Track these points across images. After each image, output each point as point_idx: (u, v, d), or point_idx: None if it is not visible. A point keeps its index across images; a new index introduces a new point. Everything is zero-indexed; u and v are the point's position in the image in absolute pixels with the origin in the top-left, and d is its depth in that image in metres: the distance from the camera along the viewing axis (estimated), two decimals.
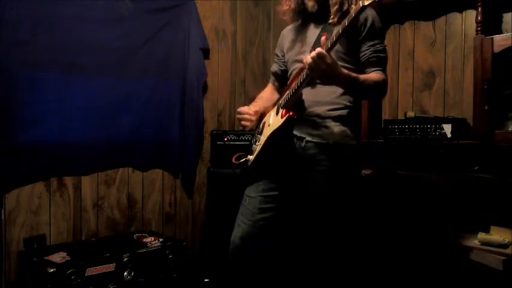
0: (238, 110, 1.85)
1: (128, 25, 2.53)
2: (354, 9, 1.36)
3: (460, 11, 2.41)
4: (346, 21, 1.37)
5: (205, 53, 2.92)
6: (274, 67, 1.98)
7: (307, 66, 1.44)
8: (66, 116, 2.32)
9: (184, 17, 2.77)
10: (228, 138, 2.76)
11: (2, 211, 2.15)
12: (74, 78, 2.34)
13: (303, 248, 1.70)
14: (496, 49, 2.01)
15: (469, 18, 2.35)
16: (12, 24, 2.12)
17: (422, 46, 2.56)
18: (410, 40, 2.61)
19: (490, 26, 2.13)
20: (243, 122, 1.82)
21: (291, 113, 1.61)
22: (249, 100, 3.21)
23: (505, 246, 1.84)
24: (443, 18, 2.48)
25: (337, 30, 1.41)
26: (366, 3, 1.32)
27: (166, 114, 2.74)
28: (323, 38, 1.48)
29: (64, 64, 2.30)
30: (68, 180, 2.39)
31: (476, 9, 2.13)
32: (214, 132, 2.81)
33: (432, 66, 2.52)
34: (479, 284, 1.83)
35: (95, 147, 2.44)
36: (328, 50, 1.42)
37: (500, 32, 2.18)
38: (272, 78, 2.01)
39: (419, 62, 2.58)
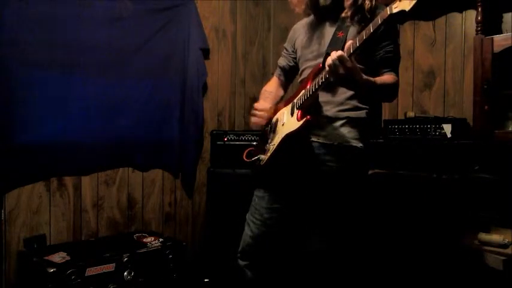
0: (255, 105, 1.81)
1: (127, 25, 2.53)
2: (380, 15, 1.29)
3: (460, 11, 2.41)
4: (371, 28, 1.30)
5: (205, 53, 2.92)
6: (282, 61, 1.92)
7: (327, 69, 1.39)
8: (66, 116, 2.32)
9: (184, 17, 2.78)
10: (228, 138, 2.76)
11: (2, 211, 2.15)
12: (74, 78, 2.34)
13: (309, 246, 1.69)
14: (496, 49, 2.01)
15: (469, 18, 2.35)
16: (12, 24, 2.12)
17: (422, 46, 2.56)
18: (410, 40, 2.61)
19: (490, 26, 2.13)
20: (256, 120, 1.79)
21: (308, 117, 1.54)
22: (249, 100, 3.24)
23: (505, 246, 1.84)
24: (443, 18, 2.48)
25: (361, 35, 1.34)
26: (395, 10, 1.23)
27: (167, 114, 2.74)
28: (348, 43, 1.39)
29: (64, 64, 2.30)
30: (68, 180, 2.39)
31: (476, 9, 2.13)
32: (214, 132, 2.81)
33: (432, 66, 2.52)
34: (480, 284, 1.83)
35: (95, 147, 2.44)
36: (350, 55, 1.37)
37: (500, 32, 2.18)
38: (278, 71, 1.95)
39: (419, 62, 2.58)
